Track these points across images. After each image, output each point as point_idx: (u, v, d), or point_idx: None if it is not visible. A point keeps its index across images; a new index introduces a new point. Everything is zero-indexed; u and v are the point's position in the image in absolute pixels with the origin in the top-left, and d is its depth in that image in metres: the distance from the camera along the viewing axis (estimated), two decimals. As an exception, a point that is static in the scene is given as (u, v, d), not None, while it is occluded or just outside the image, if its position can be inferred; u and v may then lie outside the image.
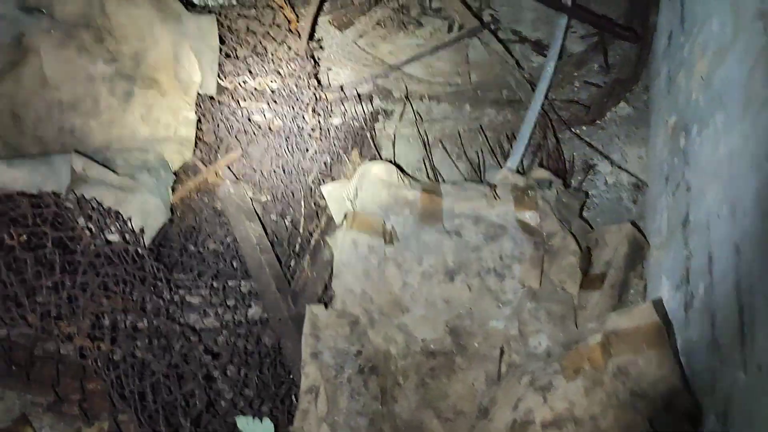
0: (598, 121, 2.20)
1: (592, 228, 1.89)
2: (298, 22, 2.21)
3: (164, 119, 1.87)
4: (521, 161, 2.03)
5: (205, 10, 2.11)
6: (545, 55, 2.43)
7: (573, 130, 2.16)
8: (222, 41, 2.02)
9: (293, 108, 2.03)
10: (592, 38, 2.40)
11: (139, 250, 1.59)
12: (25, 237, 1.44)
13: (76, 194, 1.57)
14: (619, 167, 2.06)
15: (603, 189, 2.05)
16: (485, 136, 2.17)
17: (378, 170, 1.86)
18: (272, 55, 2.08)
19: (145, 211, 1.68)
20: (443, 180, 2.06)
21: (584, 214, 1.97)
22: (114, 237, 1.56)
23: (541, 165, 2.02)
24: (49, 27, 1.77)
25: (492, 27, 2.41)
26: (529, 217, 1.82)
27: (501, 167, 2.02)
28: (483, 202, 1.85)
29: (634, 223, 1.78)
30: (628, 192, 2.03)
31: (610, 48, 2.36)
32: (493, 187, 1.89)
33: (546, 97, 2.16)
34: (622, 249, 1.71)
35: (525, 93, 2.23)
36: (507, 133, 2.17)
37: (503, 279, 1.72)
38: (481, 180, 2.04)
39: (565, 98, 2.25)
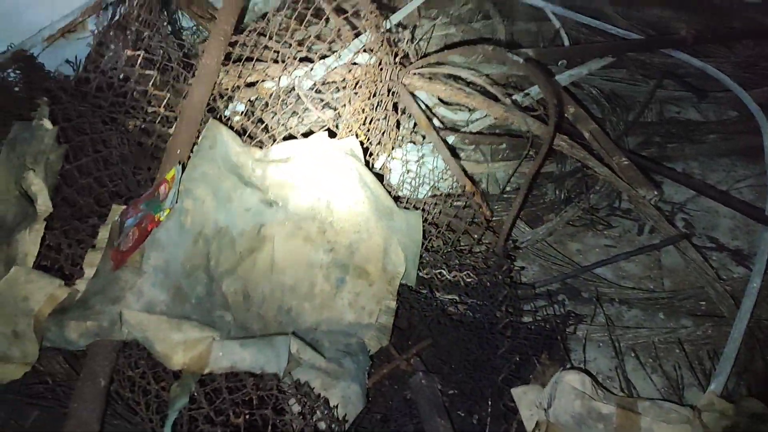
0: (811, 345, 2.04)
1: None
2: (493, 217, 2.35)
3: (369, 307, 2.00)
4: (725, 384, 1.91)
5: (411, 205, 2.31)
6: (747, 266, 2.34)
7: (785, 354, 2.01)
8: (424, 235, 2.18)
9: (486, 304, 2.10)
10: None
11: (341, 438, 1.66)
12: (248, 417, 1.57)
13: (292, 377, 1.70)
14: None
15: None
16: (684, 349, 2.08)
17: (572, 378, 1.83)
18: (469, 251, 2.20)
19: (347, 398, 1.76)
20: (638, 393, 1.97)
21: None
22: (322, 424, 1.65)
23: (749, 393, 1.88)
24: (284, 218, 2.03)
25: (689, 235, 2.38)
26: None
27: (703, 388, 1.91)
28: (687, 428, 1.73)
29: None
30: None
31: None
32: (697, 411, 1.78)
33: (752, 315, 2.05)
34: None
35: (727, 307, 2.14)
36: (708, 350, 2.06)
37: None
38: (681, 399, 1.93)
39: (773, 317, 2.12)
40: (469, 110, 2.76)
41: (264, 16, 2.32)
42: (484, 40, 3.30)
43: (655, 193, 2.30)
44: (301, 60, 2.28)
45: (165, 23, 2.50)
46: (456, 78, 2.69)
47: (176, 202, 1.81)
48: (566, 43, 3.29)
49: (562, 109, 2.58)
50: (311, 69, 2.24)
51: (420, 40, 3.25)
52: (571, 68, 3.03)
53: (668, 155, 2.76)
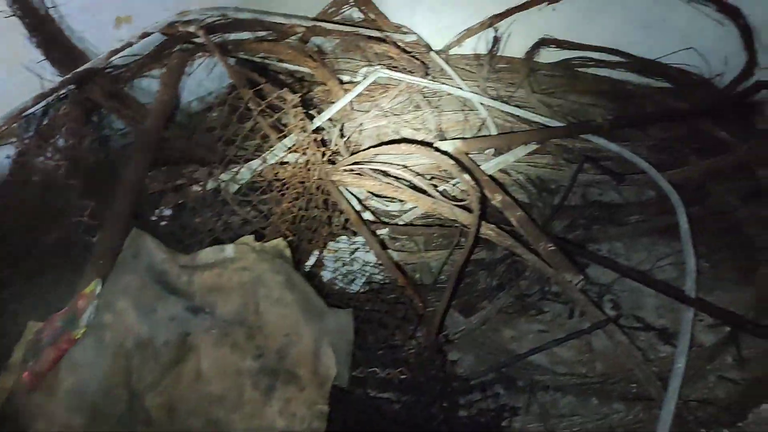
0: (740, 424, 2.08)
1: None
2: (426, 308, 2.36)
3: (300, 413, 1.96)
4: (660, 469, 1.92)
5: (344, 301, 2.31)
6: (672, 345, 2.40)
7: (714, 436, 2.04)
8: (357, 333, 2.17)
9: (421, 401, 2.08)
10: (722, 327, 2.37)
11: None
12: None
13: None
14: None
15: None
16: (616, 435, 2.09)
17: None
18: (402, 346, 2.19)
19: None
20: (575, 485, 1.96)
21: None
22: None
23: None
24: (211, 325, 2.00)
25: (616, 318, 2.44)
26: None
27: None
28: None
29: None
30: None
31: (743, 340, 2.30)
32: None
33: (679, 395, 2.09)
34: None
35: (655, 389, 2.17)
36: (640, 434, 2.08)
37: None
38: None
39: (700, 397, 2.16)
40: (401, 200, 2.83)
41: (194, 116, 2.37)
42: (415, 131, 3.42)
43: (581, 278, 2.36)
44: (228, 163, 2.32)
45: (92, 129, 2.51)
46: (385, 172, 2.76)
47: (94, 317, 1.77)
48: (493, 131, 3.44)
49: (485, 198, 2.66)
50: (237, 172, 2.28)
51: (352, 134, 3.34)
52: (498, 156, 3.15)
53: (593, 237, 2.86)
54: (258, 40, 3.54)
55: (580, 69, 4.20)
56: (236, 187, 2.29)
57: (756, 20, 3.88)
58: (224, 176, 2.26)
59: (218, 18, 3.28)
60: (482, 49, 4.45)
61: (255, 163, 2.31)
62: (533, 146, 3.22)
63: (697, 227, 2.82)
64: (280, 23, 3.62)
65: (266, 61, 3.58)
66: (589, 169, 3.13)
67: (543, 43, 4.29)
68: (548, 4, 4.30)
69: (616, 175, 3.01)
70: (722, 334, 2.36)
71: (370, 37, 3.98)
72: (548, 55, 4.35)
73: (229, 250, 2.13)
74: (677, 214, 2.70)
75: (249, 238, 2.13)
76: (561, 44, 4.28)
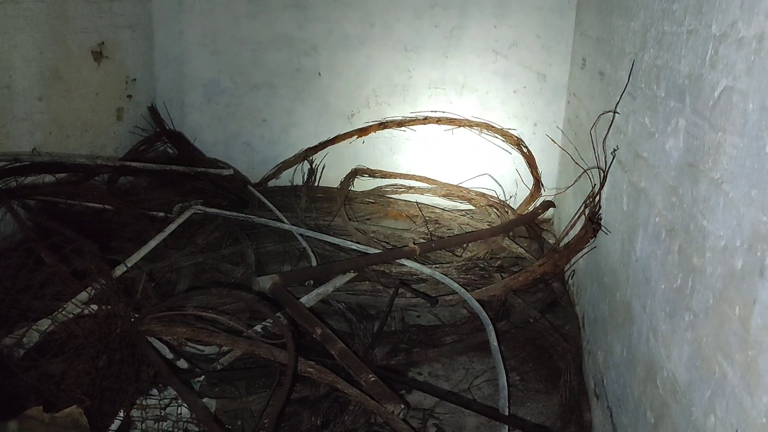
0: None
1: None
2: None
3: None
4: None
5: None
6: (495, 464, 2.46)
7: None
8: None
9: None
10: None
11: None
12: None
13: None
14: None
15: None
16: None
17: None
18: None
19: None
20: None
21: None
22: None
23: None
24: None
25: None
26: None
27: None
28: None
29: None
30: None
31: (556, 450, 2.43)
32: None
33: None
34: None
35: None
36: None
37: None
38: None
39: None
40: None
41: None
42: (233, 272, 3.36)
43: (402, 407, 2.37)
44: (14, 323, 2.09)
45: None
46: (199, 316, 2.66)
47: None
48: (313, 261, 3.49)
49: (295, 335, 2.64)
50: (24, 334, 2.05)
51: (166, 274, 3.21)
52: (318, 287, 3.18)
53: (414, 360, 2.93)
54: (59, 182, 3.36)
55: (391, 196, 4.49)
56: (22, 352, 2.05)
57: (535, 150, 4.45)
58: (7, 340, 2.03)
59: (10, 161, 3.08)
60: (299, 181, 4.62)
61: (44, 323, 2.10)
62: (351, 274, 3.30)
63: (506, 341, 3.02)
64: (85, 164, 3.48)
65: (69, 202, 3.38)
66: (406, 291, 3.26)
67: (356, 172, 4.55)
68: (358, 137, 4.62)
69: (430, 299, 3.16)
70: (537, 446, 2.48)
71: (184, 174, 3.95)
72: (362, 184, 4.62)
73: (13, 427, 1.87)
74: (487, 332, 2.87)
75: (37, 410, 1.88)
76: (373, 173, 4.57)
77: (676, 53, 1.87)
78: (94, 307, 2.23)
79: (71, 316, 2.15)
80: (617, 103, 2.58)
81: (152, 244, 3.16)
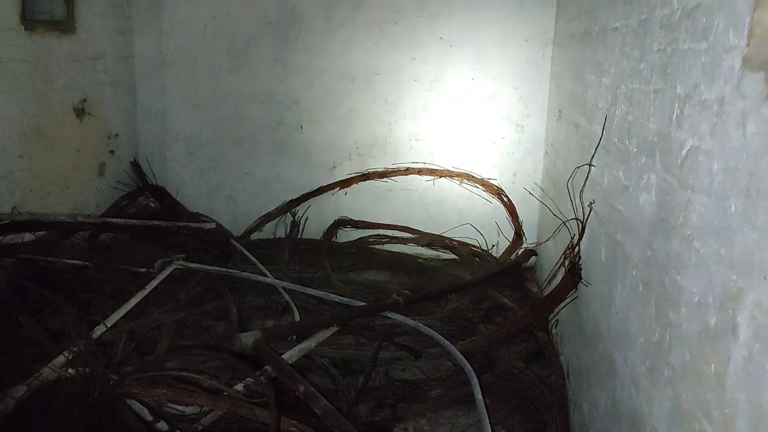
0: None
1: None
2: None
3: None
4: None
5: None
6: None
7: None
8: None
9: None
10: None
11: None
12: None
13: None
14: None
15: None
16: None
17: None
18: None
19: None
20: None
21: None
22: None
23: None
24: None
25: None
26: None
27: None
28: None
29: None
30: None
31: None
32: None
33: None
34: None
35: None
36: None
37: None
38: None
39: None
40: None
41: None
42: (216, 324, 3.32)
43: (387, 466, 2.34)
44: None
45: None
46: (180, 377, 2.61)
47: None
48: (296, 315, 3.47)
49: (277, 393, 2.61)
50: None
51: (147, 332, 3.16)
52: (301, 342, 3.14)
53: (399, 416, 2.89)
54: (38, 240, 3.33)
55: (375, 246, 4.50)
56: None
57: (516, 199, 4.51)
58: (-19, 408, 1.98)
59: (-11, 221, 3.06)
60: (282, 233, 4.62)
61: (20, 389, 2.06)
62: (335, 328, 3.28)
63: (491, 394, 2.99)
64: (65, 221, 3.46)
65: (49, 259, 3.35)
66: (390, 346, 3.23)
67: (339, 224, 4.57)
68: (341, 188, 4.66)
69: (414, 352, 3.14)
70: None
71: (166, 228, 3.94)
72: (345, 235, 4.63)
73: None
74: (471, 385, 2.84)
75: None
76: (356, 224, 4.59)
77: (645, 110, 1.93)
78: (72, 370, 2.19)
79: (48, 380, 2.11)
80: (593, 156, 2.63)
81: (133, 301, 3.13)
